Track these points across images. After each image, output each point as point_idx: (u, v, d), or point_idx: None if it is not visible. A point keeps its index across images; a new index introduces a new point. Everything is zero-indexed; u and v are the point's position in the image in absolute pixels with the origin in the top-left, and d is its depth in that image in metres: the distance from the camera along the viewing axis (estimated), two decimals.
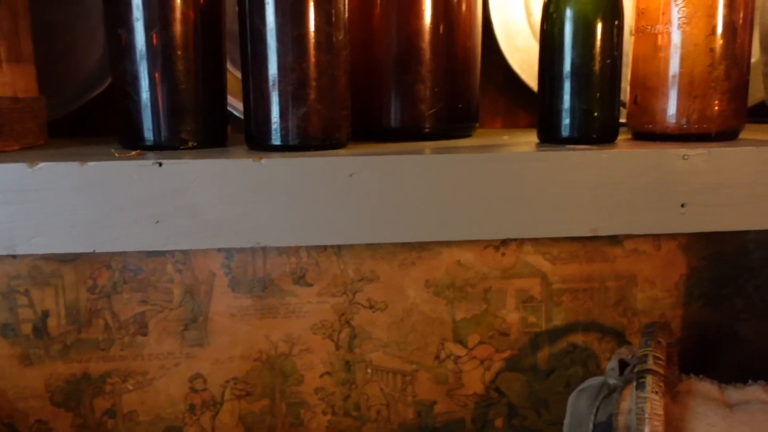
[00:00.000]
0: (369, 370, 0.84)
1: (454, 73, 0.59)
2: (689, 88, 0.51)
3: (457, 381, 0.85)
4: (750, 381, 0.70)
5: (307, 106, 0.49)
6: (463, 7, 0.59)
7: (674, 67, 0.52)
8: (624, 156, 0.47)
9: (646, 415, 0.61)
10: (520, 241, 0.82)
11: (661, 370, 0.64)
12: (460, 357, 0.85)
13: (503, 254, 0.83)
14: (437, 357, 0.84)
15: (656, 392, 0.63)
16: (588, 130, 0.52)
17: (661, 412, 0.62)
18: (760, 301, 0.87)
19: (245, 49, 0.49)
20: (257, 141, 0.50)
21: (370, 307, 0.82)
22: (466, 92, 0.61)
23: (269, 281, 0.81)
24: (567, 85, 0.52)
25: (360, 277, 0.82)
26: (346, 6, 0.50)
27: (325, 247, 0.81)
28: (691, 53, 0.51)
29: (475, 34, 0.61)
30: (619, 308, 0.85)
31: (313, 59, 0.48)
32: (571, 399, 0.77)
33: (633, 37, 0.54)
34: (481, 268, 0.83)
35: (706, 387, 0.69)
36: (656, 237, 0.84)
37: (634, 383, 0.65)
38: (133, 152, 0.49)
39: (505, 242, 0.82)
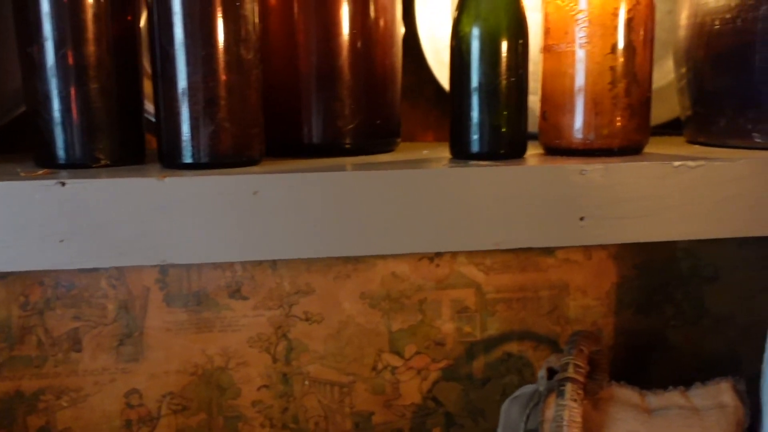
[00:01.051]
0: (306, 383, 0.84)
1: (372, 89, 0.60)
2: (592, 105, 0.53)
3: (394, 391, 0.86)
4: (670, 387, 0.72)
5: (216, 124, 0.49)
6: (382, 24, 0.60)
7: (578, 84, 0.53)
8: (525, 171, 0.48)
9: (565, 423, 0.63)
10: (454, 253, 0.84)
11: (580, 378, 0.66)
12: (397, 367, 0.85)
13: (437, 265, 0.84)
14: (374, 368, 0.85)
15: (574, 400, 0.64)
16: (496, 145, 0.54)
17: (578, 419, 0.63)
18: (689, 308, 0.89)
19: (155, 68, 0.50)
20: (169, 159, 0.51)
21: (307, 319, 0.83)
22: (386, 108, 0.62)
23: (204, 295, 0.81)
24: (475, 102, 0.53)
25: (296, 290, 0.82)
26: (257, 26, 0.51)
27: (260, 261, 0.81)
28: (592, 71, 0.53)
29: (394, 52, 0.62)
30: (552, 317, 0.87)
31: (221, 78, 0.49)
32: (503, 407, 0.78)
33: (542, 55, 0.56)
34: (416, 280, 0.84)
35: (627, 393, 0.70)
36: (587, 247, 0.86)
37: (556, 391, 0.66)
38: (41, 171, 0.49)
39: (439, 254, 0.84)
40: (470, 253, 0.84)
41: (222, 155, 0.50)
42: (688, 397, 0.70)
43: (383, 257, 0.83)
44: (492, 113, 0.53)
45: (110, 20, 0.52)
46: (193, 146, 0.50)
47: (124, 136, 0.54)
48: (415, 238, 0.47)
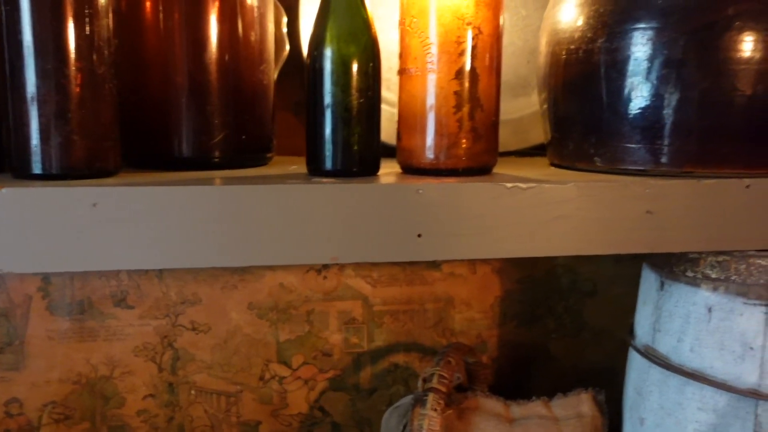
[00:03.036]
0: (193, 392, 0.85)
1: (240, 105, 0.62)
2: (438, 128, 0.56)
3: (281, 401, 0.87)
4: (533, 397, 0.75)
5: (65, 136, 0.50)
6: (251, 41, 0.62)
7: (427, 107, 0.56)
8: (364, 189, 0.51)
9: (424, 431, 0.65)
10: (342, 265, 0.86)
11: (443, 389, 0.68)
12: (284, 377, 0.87)
13: (325, 277, 0.86)
14: (261, 378, 0.86)
15: (435, 409, 0.67)
16: (348, 163, 0.56)
17: (437, 428, 0.66)
18: (569, 321, 0.93)
19: (3, 81, 0.50)
20: (19, 170, 0.51)
21: (194, 329, 0.84)
22: (255, 123, 0.64)
23: (88, 304, 0.81)
24: (327, 121, 0.55)
25: (182, 300, 0.83)
26: (111, 41, 0.52)
27: (146, 270, 0.82)
28: (439, 95, 0.55)
29: (263, 69, 0.64)
30: (438, 329, 0.89)
31: (71, 91, 0.50)
32: (384, 417, 0.81)
33: (398, 78, 0.59)
34: (303, 291, 0.85)
35: (491, 404, 0.73)
36: (472, 262, 0.89)
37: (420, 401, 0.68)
38: None
39: (326, 266, 0.85)
40: (358, 266, 0.86)
41: (72, 167, 0.51)
42: (549, 407, 0.74)
43: (272, 268, 0.84)
44: (344, 132, 0.55)
45: None
46: (42, 157, 0.50)
47: None
48: (250, 252, 0.49)
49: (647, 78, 0.56)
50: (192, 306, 0.83)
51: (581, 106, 0.61)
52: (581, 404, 0.73)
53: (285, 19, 0.75)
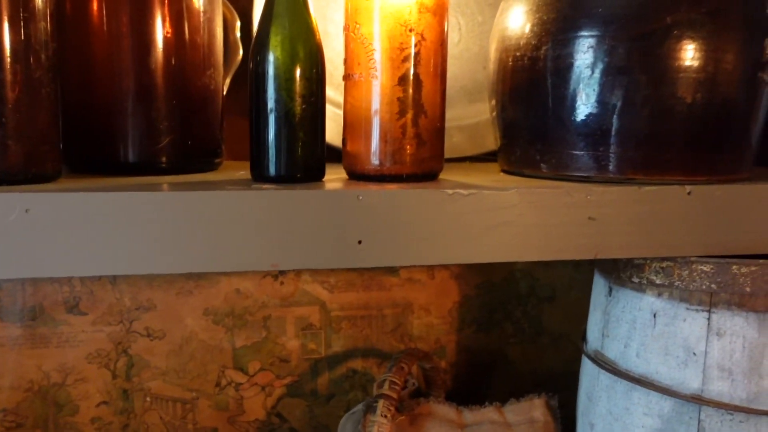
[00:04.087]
0: (148, 399, 0.84)
1: (187, 109, 0.61)
2: (382, 134, 0.56)
3: (238, 407, 0.87)
4: (486, 403, 0.75)
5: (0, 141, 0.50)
6: (199, 45, 0.62)
7: (371, 113, 0.56)
8: (304, 196, 0.50)
9: None
10: (298, 271, 0.85)
11: (394, 395, 0.68)
12: (241, 384, 0.86)
13: (282, 283, 0.85)
14: (218, 384, 0.86)
15: (385, 416, 0.66)
16: (292, 169, 0.55)
17: None
18: (528, 326, 0.93)
19: None
20: None
21: (148, 335, 0.83)
22: (202, 127, 0.63)
23: (40, 310, 0.80)
24: (271, 127, 0.55)
25: (137, 306, 0.82)
26: (50, 45, 0.52)
27: (99, 276, 0.81)
28: (382, 101, 0.55)
29: (210, 74, 0.63)
30: (396, 334, 0.89)
31: (5, 96, 0.49)
32: (340, 423, 0.80)
33: (343, 84, 0.58)
34: (260, 297, 0.85)
35: (444, 410, 0.73)
36: (430, 267, 0.89)
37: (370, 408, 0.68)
38: None
39: (283, 272, 0.85)
40: (315, 272, 0.86)
41: (7, 172, 0.50)
42: (502, 413, 0.74)
43: (227, 274, 0.84)
44: (287, 138, 0.55)
45: None
46: None
47: None
48: (186, 258, 0.48)
49: (590, 85, 0.56)
50: (146, 312, 0.82)
51: (527, 113, 0.61)
52: (534, 409, 0.74)
53: (238, 24, 0.75)
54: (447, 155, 0.81)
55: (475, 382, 0.92)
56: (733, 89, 0.56)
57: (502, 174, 0.66)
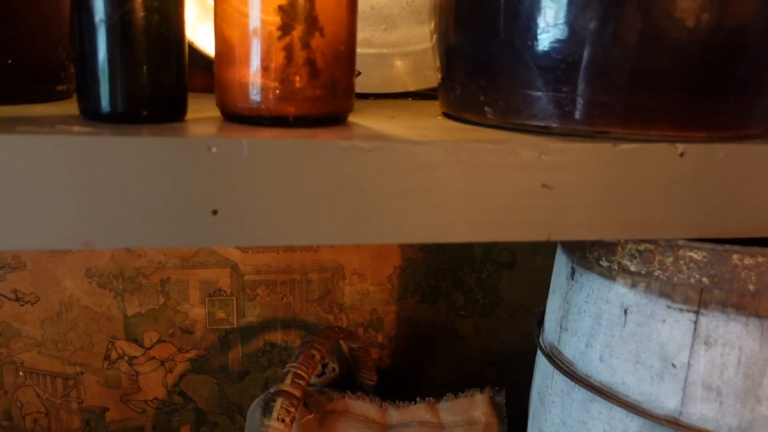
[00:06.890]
0: (21, 373, 0.70)
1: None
2: (262, 59, 0.40)
3: (132, 385, 0.73)
4: (418, 398, 0.62)
5: None
6: None
7: (247, 32, 0.40)
8: (129, 145, 0.35)
9: None
10: None
11: (297, 392, 0.55)
12: (135, 357, 0.72)
13: None
14: (107, 357, 0.72)
15: (282, 420, 0.53)
16: (133, 104, 0.40)
17: None
18: (482, 297, 0.79)
19: None
20: None
21: (17, 299, 0.68)
22: (30, 43, 0.47)
23: None
24: (100, 44, 0.39)
25: (1, 265, 0.67)
26: None
27: None
28: (261, 14, 0.39)
29: None
30: (324, 303, 0.75)
31: None
32: (250, 409, 0.67)
33: None
34: (156, 256, 0.70)
35: (364, 407, 0.60)
36: None
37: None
38: None
39: None
40: None
41: None
42: (436, 411, 0.61)
43: None
44: (124, 60, 0.39)
45: None
46: None
47: None
48: None
49: (556, 1, 0.40)
50: (14, 272, 0.68)
51: (470, 36, 0.45)
52: (474, 408, 0.60)
53: None
54: (386, 89, 0.65)
55: (417, 361, 0.79)
56: (752, 9, 0.40)
57: (440, 119, 0.51)
